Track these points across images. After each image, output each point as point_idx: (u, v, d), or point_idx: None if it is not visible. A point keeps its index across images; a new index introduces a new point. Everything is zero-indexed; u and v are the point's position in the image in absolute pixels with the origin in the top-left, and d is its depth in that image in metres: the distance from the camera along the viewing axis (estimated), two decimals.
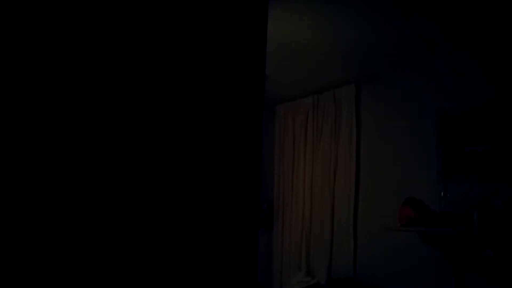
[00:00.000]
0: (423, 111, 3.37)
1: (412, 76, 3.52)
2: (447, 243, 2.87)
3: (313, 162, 4.27)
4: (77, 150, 1.16)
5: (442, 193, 2.90)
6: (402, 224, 2.89)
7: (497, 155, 2.81)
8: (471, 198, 2.75)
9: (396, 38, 3.11)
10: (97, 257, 1.12)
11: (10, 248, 1.03)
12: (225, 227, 1.46)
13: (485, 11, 2.67)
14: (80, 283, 1.08)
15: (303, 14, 2.84)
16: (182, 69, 1.40)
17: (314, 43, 3.27)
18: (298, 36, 3.17)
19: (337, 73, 3.87)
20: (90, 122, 1.18)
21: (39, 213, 1.08)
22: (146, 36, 1.29)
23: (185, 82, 1.41)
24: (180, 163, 1.35)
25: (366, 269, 3.59)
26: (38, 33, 1.11)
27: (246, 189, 1.55)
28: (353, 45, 3.27)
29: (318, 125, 4.27)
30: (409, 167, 3.39)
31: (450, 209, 2.82)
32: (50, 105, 1.13)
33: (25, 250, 1.05)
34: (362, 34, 3.07)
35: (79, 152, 1.16)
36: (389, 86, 3.69)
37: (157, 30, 1.30)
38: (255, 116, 1.64)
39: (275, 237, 4.58)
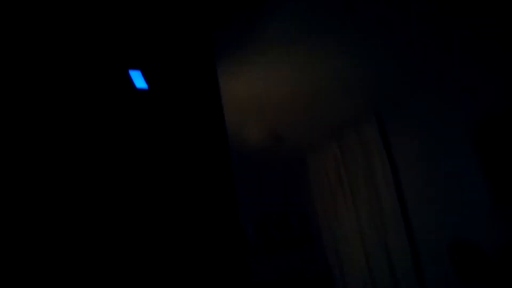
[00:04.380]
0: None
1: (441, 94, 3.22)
2: None
3: (356, 209, 3.96)
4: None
5: None
6: None
7: None
8: None
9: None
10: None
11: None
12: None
13: None
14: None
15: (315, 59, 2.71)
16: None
17: (329, 84, 3.10)
18: (312, 82, 3.02)
19: (357, 108, 3.62)
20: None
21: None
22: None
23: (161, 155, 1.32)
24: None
25: None
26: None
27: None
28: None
29: (351, 169, 4.01)
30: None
31: None
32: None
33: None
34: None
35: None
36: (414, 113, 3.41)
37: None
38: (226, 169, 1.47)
39: None
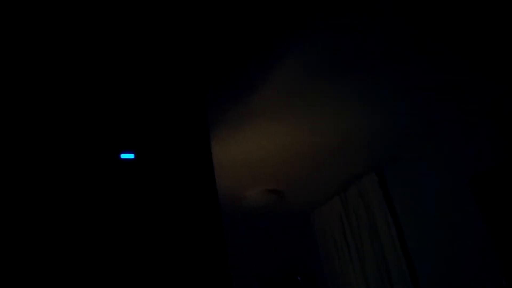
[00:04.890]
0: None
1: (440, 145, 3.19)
2: None
3: (361, 265, 3.79)
4: None
5: None
6: None
7: None
8: None
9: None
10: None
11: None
12: None
13: None
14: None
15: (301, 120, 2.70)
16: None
17: (327, 141, 3.06)
18: (309, 140, 2.98)
19: (356, 163, 3.57)
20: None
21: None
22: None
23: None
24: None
25: None
26: None
27: None
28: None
29: (354, 225, 3.89)
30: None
31: None
32: None
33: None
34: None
35: None
36: (413, 164, 3.36)
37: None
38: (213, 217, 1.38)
39: None
